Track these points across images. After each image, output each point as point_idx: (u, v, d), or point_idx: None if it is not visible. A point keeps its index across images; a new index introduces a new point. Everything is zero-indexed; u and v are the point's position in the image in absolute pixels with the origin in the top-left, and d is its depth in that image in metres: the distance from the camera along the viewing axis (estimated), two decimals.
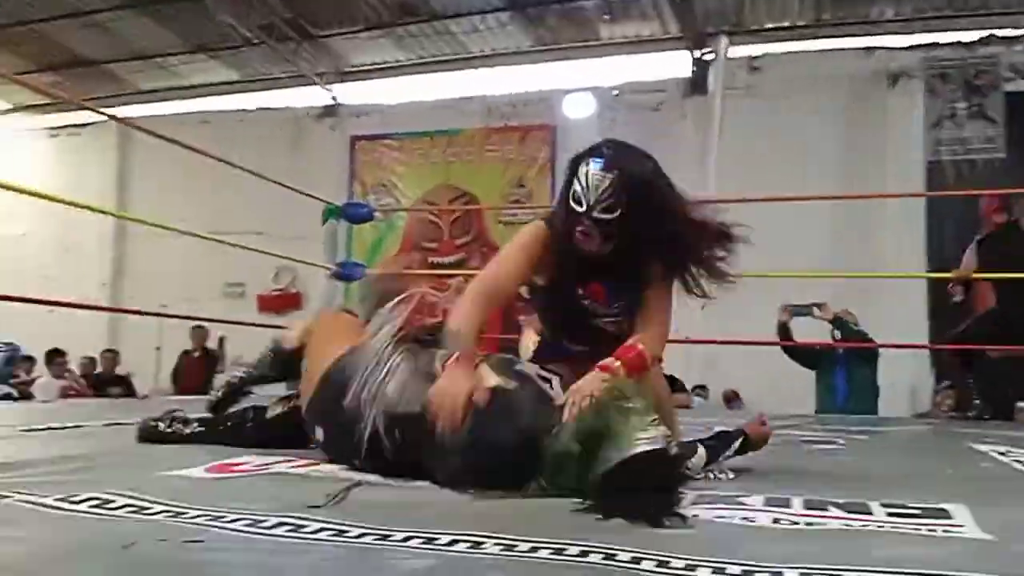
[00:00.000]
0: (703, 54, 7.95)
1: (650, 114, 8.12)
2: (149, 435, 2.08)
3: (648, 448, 1.33)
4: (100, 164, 9.99)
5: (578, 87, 8.39)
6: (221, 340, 7.86)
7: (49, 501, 1.25)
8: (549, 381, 1.60)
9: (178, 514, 1.18)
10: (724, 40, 7.68)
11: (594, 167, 1.69)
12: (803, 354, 5.42)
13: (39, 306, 4.60)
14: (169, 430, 2.08)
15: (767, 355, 6.36)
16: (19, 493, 1.30)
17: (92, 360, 8.09)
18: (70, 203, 4.46)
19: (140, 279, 9.66)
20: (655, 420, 1.39)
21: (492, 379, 1.56)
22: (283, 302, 8.89)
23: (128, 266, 9.94)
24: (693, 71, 8.01)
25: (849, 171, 7.33)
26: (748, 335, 6.14)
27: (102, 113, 7.80)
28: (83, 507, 1.21)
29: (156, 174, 9.45)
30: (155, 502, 1.24)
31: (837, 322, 5.17)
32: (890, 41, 7.69)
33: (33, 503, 1.25)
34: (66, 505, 1.23)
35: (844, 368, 5.18)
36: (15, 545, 1.02)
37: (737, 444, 1.85)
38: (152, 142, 8.06)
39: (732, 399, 7.17)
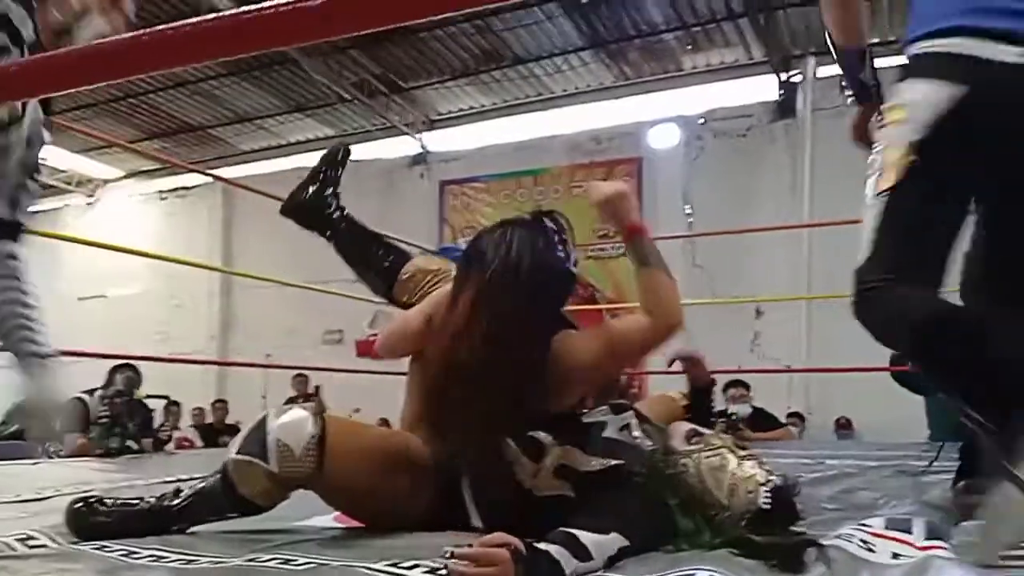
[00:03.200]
0: (790, 76, 7.79)
1: (738, 140, 8.00)
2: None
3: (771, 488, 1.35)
4: (207, 223, 10.53)
5: (663, 118, 8.35)
6: (317, 389, 8.04)
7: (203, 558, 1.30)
8: (628, 425, 1.53)
9: (322, 565, 1.21)
10: (812, 61, 7.53)
11: None
12: (913, 379, 5.11)
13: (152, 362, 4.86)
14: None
15: (878, 380, 6.09)
16: (172, 550, 1.35)
17: (201, 411, 8.44)
18: (181, 261, 4.73)
19: (246, 331, 10.08)
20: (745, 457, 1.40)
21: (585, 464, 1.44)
22: None
23: (234, 319, 10.38)
24: (780, 94, 7.85)
25: None
26: (855, 361, 5.90)
27: (207, 174, 8.23)
28: (239, 562, 1.23)
29: (258, 230, 9.87)
30: (300, 555, 1.27)
31: None
32: None
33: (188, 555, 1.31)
34: (225, 561, 1.26)
35: None
36: None
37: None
38: (254, 200, 8.47)
39: (843, 427, 6.86)
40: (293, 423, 1.40)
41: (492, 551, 1.04)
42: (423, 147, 9.61)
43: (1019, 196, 1.41)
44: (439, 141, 9.64)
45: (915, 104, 1.38)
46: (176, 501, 1.50)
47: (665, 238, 7.80)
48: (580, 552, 1.13)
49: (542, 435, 1.48)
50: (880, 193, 1.40)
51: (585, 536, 1.16)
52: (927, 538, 1.26)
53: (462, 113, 9.44)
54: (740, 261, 7.29)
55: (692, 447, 1.44)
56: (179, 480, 2.20)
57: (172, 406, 7.50)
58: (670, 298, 1.60)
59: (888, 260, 1.40)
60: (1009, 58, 1.29)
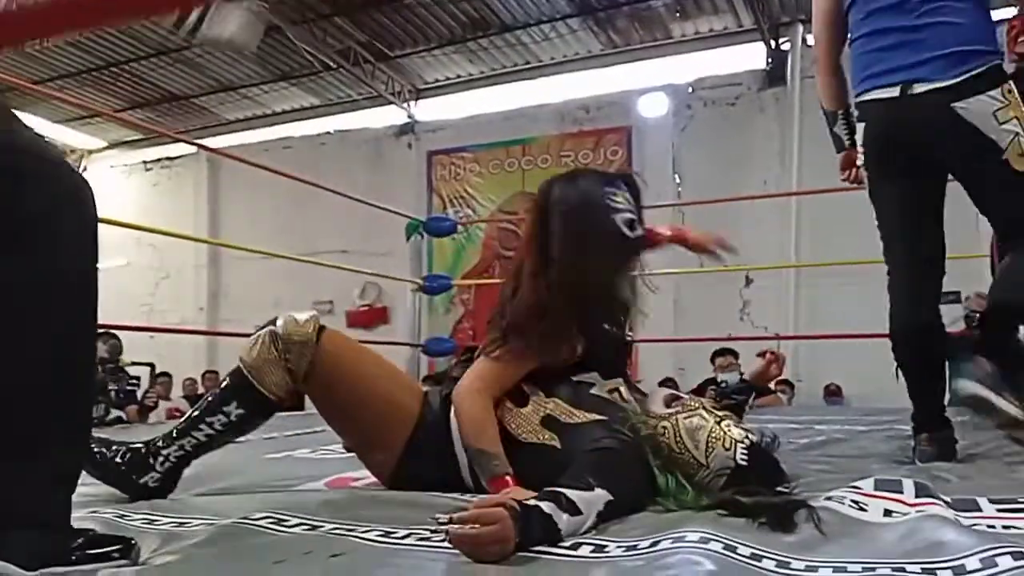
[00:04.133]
0: (779, 44, 7.75)
1: (727, 109, 7.97)
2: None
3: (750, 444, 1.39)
4: (192, 194, 10.43)
5: (652, 87, 8.30)
6: None
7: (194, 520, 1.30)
8: (616, 389, 1.61)
9: (314, 527, 1.22)
10: (800, 28, 7.49)
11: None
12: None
13: (142, 332, 4.84)
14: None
15: (867, 347, 6.14)
16: (163, 514, 1.36)
17: (193, 381, 8.43)
18: (168, 233, 4.68)
19: (234, 302, 10.04)
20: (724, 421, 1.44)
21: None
22: (371, 317, 9.08)
23: (222, 290, 10.33)
24: (769, 62, 7.82)
25: None
26: (843, 328, 5.95)
27: (194, 144, 8.15)
28: (230, 522, 1.24)
29: (245, 201, 9.82)
30: (292, 515, 1.28)
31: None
32: None
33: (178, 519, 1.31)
34: (217, 520, 1.27)
35: None
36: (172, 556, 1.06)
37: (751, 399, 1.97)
38: (240, 170, 8.43)
39: (833, 394, 6.92)
40: (297, 313, 1.57)
41: (490, 510, 1.05)
42: (410, 116, 9.52)
43: None
44: (426, 110, 9.55)
45: None
46: (168, 433, 1.55)
47: (654, 207, 7.83)
48: (570, 507, 1.15)
49: (527, 385, 1.56)
50: None
51: (572, 493, 1.18)
52: (917, 496, 1.27)
53: (449, 82, 9.35)
54: (729, 230, 7.13)
55: (671, 410, 1.47)
56: None
57: (162, 376, 7.51)
58: None
59: None
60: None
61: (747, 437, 1.41)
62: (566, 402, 1.52)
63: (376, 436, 1.59)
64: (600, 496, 1.22)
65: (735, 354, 5.72)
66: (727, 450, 1.38)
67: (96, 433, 1.57)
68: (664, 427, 1.43)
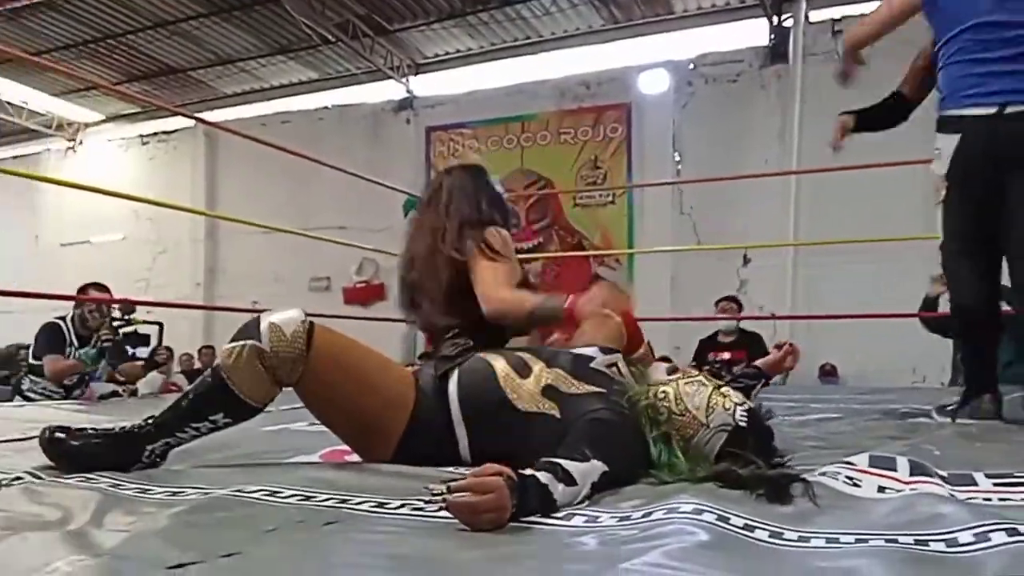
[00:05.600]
0: (782, 20, 7.68)
1: (728, 86, 7.91)
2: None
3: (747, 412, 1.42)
4: (189, 168, 10.37)
5: (653, 63, 8.23)
6: None
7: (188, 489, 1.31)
8: (615, 364, 1.63)
9: (308, 497, 1.23)
10: (803, 3, 7.42)
11: None
12: (943, 324, 5.03)
13: (139, 306, 4.84)
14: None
15: (863, 327, 6.15)
16: (157, 484, 1.36)
17: (191, 357, 8.45)
18: (168, 205, 4.65)
19: (231, 278, 10.03)
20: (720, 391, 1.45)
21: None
22: (368, 293, 9.07)
23: (219, 266, 10.31)
24: (771, 39, 7.74)
25: None
26: (840, 308, 5.96)
27: (192, 117, 8.09)
28: (224, 492, 1.25)
29: (242, 176, 9.77)
30: (286, 487, 1.28)
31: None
32: None
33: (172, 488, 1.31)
34: (211, 490, 1.28)
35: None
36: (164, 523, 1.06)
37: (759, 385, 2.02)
38: (237, 145, 8.37)
39: (828, 373, 6.93)
40: (284, 315, 1.51)
41: (487, 479, 1.06)
42: (409, 92, 9.45)
43: None
44: (425, 85, 9.48)
45: None
46: (150, 420, 1.53)
47: (653, 184, 7.85)
48: (566, 478, 1.16)
49: (528, 356, 1.59)
50: None
51: (568, 464, 1.19)
52: (912, 474, 1.27)
53: (449, 57, 9.27)
54: (728, 208, 7.28)
55: (672, 377, 1.49)
56: None
57: (164, 349, 7.52)
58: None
59: None
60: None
61: (746, 402, 1.44)
62: (567, 373, 1.54)
63: (373, 430, 1.58)
64: (595, 467, 1.23)
65: (738, 303, 5.75)
66: (727, 410, 1.40)
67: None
68: (665, 391, 1.45)
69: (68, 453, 1.51)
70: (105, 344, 4.50)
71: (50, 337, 4.33)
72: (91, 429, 1.56)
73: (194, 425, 1.52)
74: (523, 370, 1.56)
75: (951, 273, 2.48)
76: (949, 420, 2.42)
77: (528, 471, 1.14)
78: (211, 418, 1.51)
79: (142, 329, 4.91)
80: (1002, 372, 4.67)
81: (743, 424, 1.39)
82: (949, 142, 2.38)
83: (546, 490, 1.12)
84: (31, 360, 4.40)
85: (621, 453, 1.32)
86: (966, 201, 2.39)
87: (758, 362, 2.11)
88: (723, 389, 1.45)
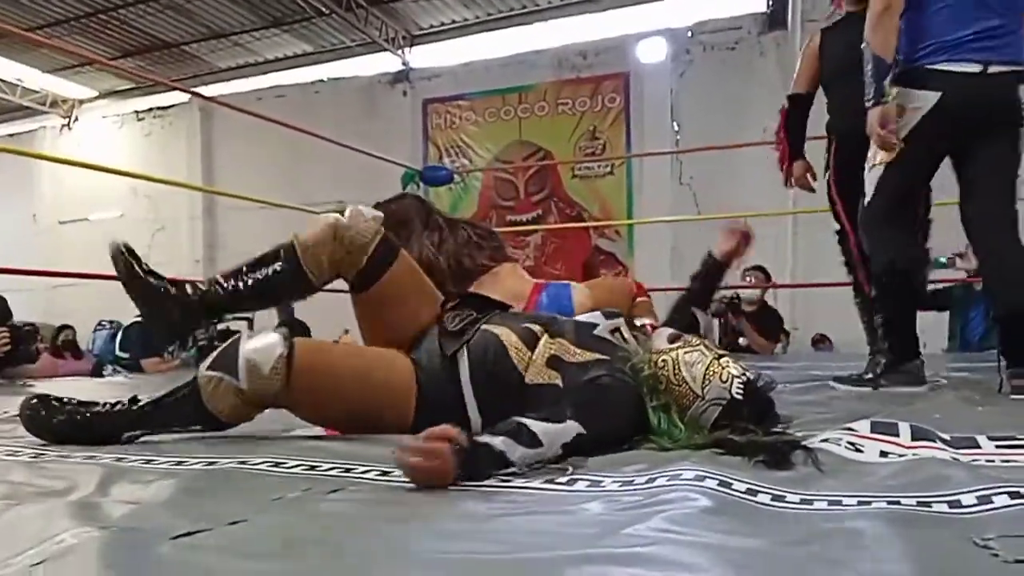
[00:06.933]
0: None
1: (727, 53, 7.84)
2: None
3: (745, 381, 1.43)
4: (186, 144, 10.30)
5: (650, 31, 8.15)
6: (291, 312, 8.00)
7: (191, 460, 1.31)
8: (618, 329, 1.64)
9: (313, 467, 1.24)
10: None
11: None
12: (935, 298, 5.04)
13: None
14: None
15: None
16: (161, 456, 1.37)
17: None
18: (166, 182, 4.63)
19: (231, 254, 10.01)
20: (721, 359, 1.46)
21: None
22: None
23: (219, 242, 10.29)
24: (770, 5, 7.66)
25: None
26: (839, 277, 5.93)
27: (189, 91, 8.02)
28: (228, 463, 1.26)
29: (238, 151, 9.72)
30: (290, 458, 1.29)
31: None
32: None
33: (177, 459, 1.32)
34: (216, 460, 1.29)
35: (981, 307, 4.82)
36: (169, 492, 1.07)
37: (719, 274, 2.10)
38: (233, 120, 8.31)
39: (820, 342, 6.95)
40: (263, 345, 1.47)
41: (433, 445, 1.09)
42: (405, 63, 9.36)
43: None
44: (421, 57, 9.39)
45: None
46: (135, 407, 1.55)
47: (652, 154, 7.81)
48: (529, 440, 1.18)
49: (536, 327, 1.59)
50: None
51: (536, 424, 1.21)
52: (914, 439, 1.28)
53: (444, 27, 9.17)
54: (727, 177, 7.25)
55: (673, 345, 1.50)
56: None
57: None
58: None
59: None
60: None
61: (744, 374, 1.44)
62: (570, 342, 1.55)
63: (378, 431, 1.56)
64: (569, 428, 1.25)
65: (767, 274, 5.70)
66: (724, 383, 1.41)
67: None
68: (664, 360, 1.46)
69: (46, 428, 1.54)
70: (202, 343, 4.57)
71: (148, 339, 4.32)
72: (72, 403, 1.57)
73: (175, 428, 1.55)
74: (531, 342, 1.56)
75: (880, 235, 2.42)
76: (869, 389, 2.39)
77: (484, 437, 1.18)
78: (191, 428, 1.55)
79: None
80: (977, 344, 4.72)
81: (739, 396, 1.40)
82: (927, 98, 2.28)
83: (502, 457, 1.15)
84: (118, 352, 4.46)
85: (606, 417, 1.34)
86: (923, 160, 2.38)
87: (712, 251, 2.07)
88: (722, 360, 1.45)
